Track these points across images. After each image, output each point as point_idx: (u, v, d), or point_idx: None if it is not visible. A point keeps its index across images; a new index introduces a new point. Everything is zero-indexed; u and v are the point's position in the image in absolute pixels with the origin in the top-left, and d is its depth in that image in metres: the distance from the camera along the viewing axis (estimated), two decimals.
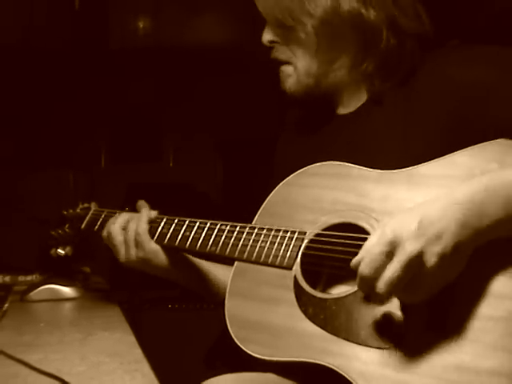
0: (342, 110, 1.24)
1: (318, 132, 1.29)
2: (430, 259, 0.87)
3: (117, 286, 2.09)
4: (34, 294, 1.75)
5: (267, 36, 1.22)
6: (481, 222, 0.90)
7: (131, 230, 1.31)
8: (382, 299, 0.95)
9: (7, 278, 1.96)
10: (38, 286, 1.77)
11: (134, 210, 1.40)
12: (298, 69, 1.20)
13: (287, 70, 1.22)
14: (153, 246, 1.30)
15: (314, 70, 1.18)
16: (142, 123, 3.32)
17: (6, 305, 1.62)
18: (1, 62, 2.78)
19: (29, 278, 1.96)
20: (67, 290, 1.78)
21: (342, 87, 1.21)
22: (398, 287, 0.88)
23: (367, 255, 0.89)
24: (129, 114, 3.29)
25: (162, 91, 3.23)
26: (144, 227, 1.30)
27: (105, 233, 1.36)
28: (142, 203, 1.40)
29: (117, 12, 3.18)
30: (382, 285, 0.88)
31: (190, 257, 1.36)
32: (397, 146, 1.12)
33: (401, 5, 1.14)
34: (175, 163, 3.31)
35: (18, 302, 1.73)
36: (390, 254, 0.87)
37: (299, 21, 1.15)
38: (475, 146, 1.00)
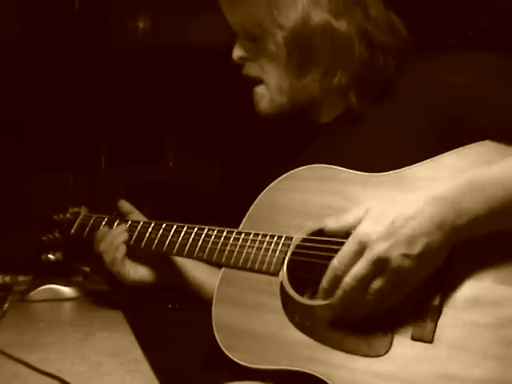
0: (320, 119, 1.23)
1: (301, 140, 1.27)
2: (396, 259, 0.90)
3: (116, 286, 2.08)
4: (34, 293, 1.75)
5: (237, 52, 1.21)
6: (460, 218, 0.91)
7: (108, 259, 1.33)
8: (344, 302, 0.96)
9: (7, 278, 1.96)
10: (38, 286, 1.77)
11: (124, 213, 1.41)
12: (270, 87, 1.18)
13: (260, 90, 1.20)
14: (126, 274, 1.33)
15: (287, 87, 1.16)
16: (142, 123, 3.32)
17: (6, 305, 1.62)
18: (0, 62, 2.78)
19: (29, 277, 1.96)
20: (67, 290, 1.78)
21: (318, 100, 1.19)
22: (362, 283, 0.92)
23: (340, 253, 0.94)
24: (128, 115, 3.29)
25: (162, 91, 3.23)
26: (121, 253, 1.32)
27: (98, 250, 1.38)
28: (122, 203, 1.42)
29: (117, 12, 3.18)
30: (347, 278, 0.93)
31: (174, 260, 1.37)
32: (381, 149, 1.10)
33: (373, 18, 1.13)
34: (175, 163, 3.31)
35: (18, 301, 1.73)
36: (360, 253, 0.93)
37: (269, 32, 1.13)
38: (461, 148, 1.00)
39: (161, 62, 3.20)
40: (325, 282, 0.97)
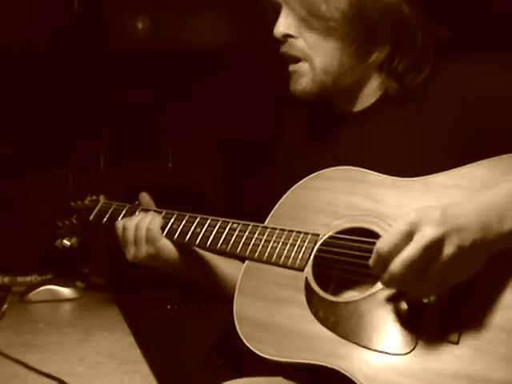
0: (350, 108, 1.21)
1: (324, 130, 1.26)
2: (448, 248, 0.85)
3: (116, 286, 2.09)
4: (33, 294, 1.75)
5: (282, 28, 1.13)
6: (501, 226, 0.89)
7: (143, 225, 1.28)
8: (392, 284, 0.90)
9: (6, 279, 1.96)
10: (37, 287, 1.77)
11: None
12: (314, 66, 1.13)
13: (302, 68, 1.15)
14: (163, 242, 1.27)
15: (334, 67, 1.12)
16: (141, 124, 3.32)
17: (5, 305, 1.62)
18: None
19: (28, 278, 1.96)
20: (66, 291, 1.78)
21: (360, 85, 1.17)
22: (411, 270, 0.85)
23: (388, 234, 0.87)
24: (128, 115, 3.29)
25: (161, 92, 3.23)
26: (157, 223, 1.28)
27: (120, 226, 1.32)
28: (144, 195, 1.39)
29: (115, 12, 3.18)
30: (396, 264, 0.85)
31: (200, 251, 1.33)
32: (408, 149, 1.11)
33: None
34: (174, 164, 3.31)
35: (17, 302, 1.73)
36: (409, 236, 0.85)
37: (332, 7, 1.08)
38: (490, 159, 0.99)
39: (160, 62, 3.20)
40: (371, 263, 0.90)
